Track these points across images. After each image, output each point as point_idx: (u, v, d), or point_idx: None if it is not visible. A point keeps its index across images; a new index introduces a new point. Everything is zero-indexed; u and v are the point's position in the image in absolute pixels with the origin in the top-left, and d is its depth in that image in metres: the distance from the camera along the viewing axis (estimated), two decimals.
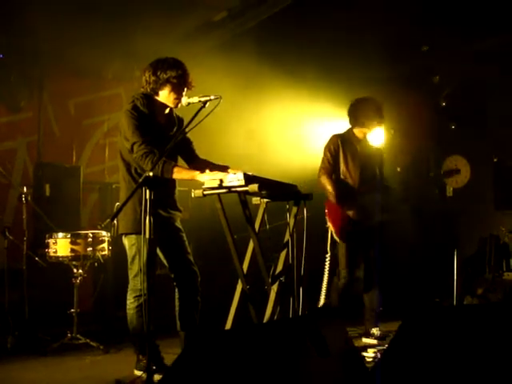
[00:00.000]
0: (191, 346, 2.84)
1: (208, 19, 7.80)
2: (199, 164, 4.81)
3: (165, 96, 4.69)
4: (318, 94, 7.40)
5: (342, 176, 6.03)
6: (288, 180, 4.93)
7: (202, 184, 4.44)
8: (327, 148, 6.06)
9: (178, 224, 4.91)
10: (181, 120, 4.90)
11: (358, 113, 6.06)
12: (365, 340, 6.01)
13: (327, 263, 6.15)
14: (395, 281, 7.77)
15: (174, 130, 4.80)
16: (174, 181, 4.76)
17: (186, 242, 4.90)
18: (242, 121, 7.63)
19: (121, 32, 7.05)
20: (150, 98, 4.70)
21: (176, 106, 4.74)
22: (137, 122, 4.57)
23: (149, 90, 4.69)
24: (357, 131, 6.13)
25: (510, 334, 3.23)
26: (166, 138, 4.58)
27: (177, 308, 4.86)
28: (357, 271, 6.07)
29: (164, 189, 4.63)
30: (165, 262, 4.82)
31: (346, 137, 6.12)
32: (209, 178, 4.39)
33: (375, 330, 6.03)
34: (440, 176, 7.40)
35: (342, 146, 6.03)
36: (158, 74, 4.63)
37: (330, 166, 6.00)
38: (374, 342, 5.93)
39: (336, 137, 6.10)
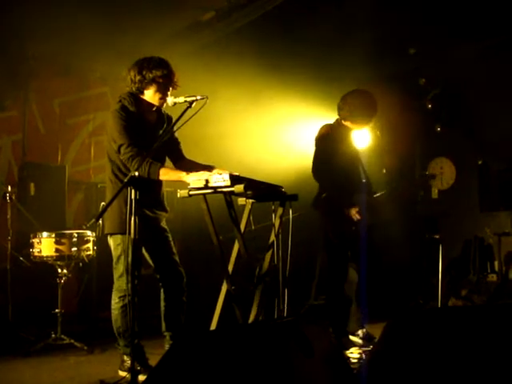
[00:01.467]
0: (176, 347, 2.83)
1: (196, 19, 7.80)
2: (185, 164, 4.82)
3: (150, 95, 4.68)
4: (306, 94, 7.41)
5: (336, 168, 5.63)
6: (273, 181, 4.93)
7: (188, 184, 4.44)
8: (320, 138, 5.74)
9: (164, 224, 4.90)
10: (169, 118, 4.89)
11: (348, 106, 5.72)
12: (351, 338, 5.90)
13: (318, 263, 6.08)
14: (380, 282, 7.79)
15: (164, 127, 4.79)
16: (160, 181, 4.74)
17: (172, 243, 4.90)
18: (228, 121, 7.63)
19: (107, 31, 7.02)
20: (137, 98, 4.69)
21: (161, 106, 4.74)
22: (124, 122, 4.56)
23: (134, 89, 4.68)
24: (348, 124, 5.79)
25: (494, 336, 3.25)
26: (156, 137, 4.58)
27: (162, 309, 4.85)
28: (349, 271, 5.87)
29: (150, 189, 4.62)
30: (150, 262, 4.82)
31: (338, 127, 5.77)
32: (195, 179, 4.39)
33: (360, 331, 5.96)
34: (425, 177, 7.41)
35: (335, 136, 5.70)
36: (144, 73, 4.62)
37: (325, 156, 5.64)
38: (360, 341, 5.85)
39: (328, 126, 5.78)
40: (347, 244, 5.73)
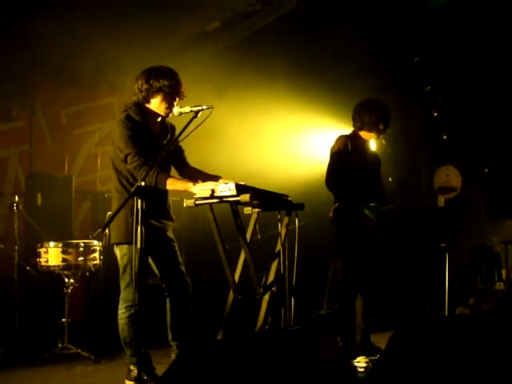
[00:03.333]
0: (182, 356, 2.83)
1: (201, 30, 7.83)
2: (190, 172, 4.83)
3: (156, 104, 4.69)
4: (310, 104, 7.43)
5: (352, 179, 5.59)
6: (281, 190, 4.94)
7: (194, 194, 4.45)
8: (335, 149, 5.63)
9: (170, 234, 4.90)
10: (173, 127, 4.90)
11: (363, 116, 5.65)
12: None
13: (330, 272, 6.00)
14: (387, 291, 7.78)
15: (168, 137, 4.80)
16: (166, 190, 4.76)
17: (178, 252, 4.89)
18: (236, 130, 7.64)
19: (113, 42, 7.06)
20: (142, 107, 4.70)
21: (167, 116, 4.75)
22: (130, 132, 4.56)
23: (140, 97, 4.68)
24: (363, 134, 5.74)
25: (502, 344, 3.24)
26: (160, 147, 4.59)
27: (168, 319, 4.84)
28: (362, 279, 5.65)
29: (156, 198, 4.63)
30: (156, 271, 4.82)
31: (354, 138, 5.71)
32: (201, 189, 4.40)
33: (361, 359, 5.44)
34: (433, 190, 7.38)
35: (351, 147, 5.61)
36: (151, 82, 4.62)
37: (340, 167, 5.57)
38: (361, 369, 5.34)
39: (344, 137, 5.68)
40: (362, 253, 5.57)
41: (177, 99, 4.70)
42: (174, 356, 4.80)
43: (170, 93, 4.65)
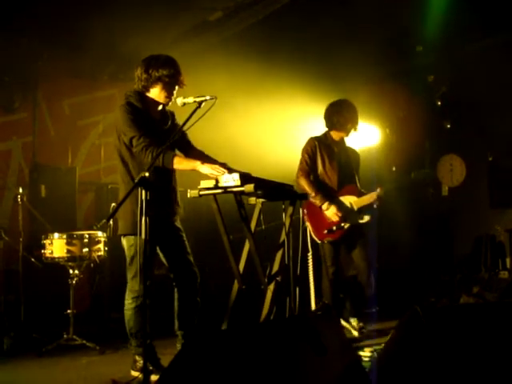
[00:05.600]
0: (188, 347, 2.84)
1: (203, 19, 7.80)
2: (197, 154, 4.81)
3: (156, 93, 4.69)
4: (314, 93, 7.41)
5: (320, 178, 6.12)
6: (284, 180, 4.93)
7: (198, 183, 4.45)
8: (305, 150, 6.16)
9: (178, 224, 4.89)
10: (172, 114, 4.90)
11: (334, 116, 6.14)
12: (344, 323, 6.12)
13: (310, 262, 6.19)
14: (391, 280, 7.78)
15: (169, 123, 4.80)
16: (171, 180, 4.78)
17: (186, 242, 4.89)
18: (237, 120, 7.63)
19: (115, 33, 7.04)
20: (142, 95, 4.71)
21: (167, 104, 4.75)
22: (132, 116, 4.58)
23: (140, 86, 4.69)
24: (333, 134, 6.22)
25: (507, 333, 3.24)
26: (161, 132, 4.60)
27: (176, 308, 4.85)
28: (340, 268, 6.21)
29: (163, 187, 4.64)
30: (165, 261, 4.81)
31: (323, 139, 6.21)
32: (209, 172, 4.39)
33: (353, 321, 6.15)
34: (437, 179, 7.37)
35: (319, 148, 6.13)
36: (150, 71, 4.62)
37: (308, 167, 6.10)
38: (355, 333, 6.08)
39: (313, 139, 6.20)
40: (336, 246, 6.09)
41: (176, 88, 4.70)
42: (179, 346, 4.82)
43: (170, 82, 4.65)
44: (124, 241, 4.73)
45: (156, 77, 4.62)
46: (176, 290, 4.85)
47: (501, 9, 7.07)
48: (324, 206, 5.97)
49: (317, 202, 5.98)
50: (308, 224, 6.12)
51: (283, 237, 4.89)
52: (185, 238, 4.89)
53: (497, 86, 7.78)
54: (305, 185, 6.03)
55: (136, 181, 3.91)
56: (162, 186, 4.58)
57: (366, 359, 5.09)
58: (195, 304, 4.83)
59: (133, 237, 4.61)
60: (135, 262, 4.62)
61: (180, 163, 4.48)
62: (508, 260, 8.04)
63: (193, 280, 4.82)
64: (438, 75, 8.57)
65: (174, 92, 4.69)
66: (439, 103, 8.59)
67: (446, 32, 7.44)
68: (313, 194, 5.98)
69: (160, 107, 4.76)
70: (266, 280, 4.81)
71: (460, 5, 7.06)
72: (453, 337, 3.16)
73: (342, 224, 5.98)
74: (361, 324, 6.14)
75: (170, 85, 4.66)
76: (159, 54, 4.72)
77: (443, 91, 8.53)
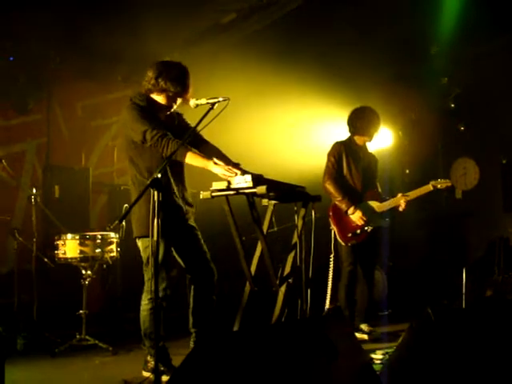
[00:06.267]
0: (199, 347, 2.84)
1: (216, 21, 7.81)
2: (210, 151, 4.77)
3: (158, 99, 4.72)
4: (326, 95, 7.41)
5: (345, 182, 6.23)
6: (297, 182, 4.93)
7: (210, 185, 4.45)
8: (331, 154, 6.28)
9: (192, 222, 4.89)
10: (179, 114, 4.91)
11: (358, 122, 6.27)
12: (357, 335, 6.06)
13: (331, 264, 6.24)
14: (404, 283, 7.76)
15: (175, 123, 4.81)
16: (184, 179, 4.80)
17: (202, 241, 4.90)
18: (250, 122, 7.63)
19: (128, 34, 7.05)
20: (146, 97, 4.73)
21: (166, 112, 4.76)
22: (140, 112, 4.60)
23: (146, 87, 4.70)
24: (357, 138, 6.35)
25: None
26: (170, 130, 4.59)
27: (191, 305, 4.84)
28: (358, 270, 6.24)
29: (176, 187, 4.65)
30: (180, 261, 4.80)
31: (348, 143, 6.33)
32: (221, 173, 4.38)
33: (364, 326, 6.19)
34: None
35: (344, 153, 6.25)
36: (159, 80, 4.62)
37: (335, 170, 6.21)
38: (365, 337, 6.08)
39: (339, 144, 6.32)
40: (354, 247, 6.15)
41: (179, 101, 4.72)
42: (192, 344, 4.82)
43: (173, 97, 4.68)
44: (139, 243, 4.75)
45: (163, 88, 4.64)
46: (192, 287, 4.84)
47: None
48: (350, 211, 6.09)
49: (343, 206, 6.11)
50: (333, 227, 6.23)
51: (295, 239, 4.89)
52: (200, 237, 4.90)
53: (511, 87, 7.74)
54: (331, 189, 6.14)
55: (148, 182, 3.91)
56: (173, 186, 4.59)
57: (378, 362, 5.08)
58: (211, 301, 4.83)
59: (148, 238, 4.61)
60: (151, 263, 4.63)
61: (193, 159, 4.46)
62: None
63: (210, 277, 4.83)
64: (451, 77, 8.54)
65: (175, 105, 4.73)
66: (452, 105, 8.57)
67: (460, 34, 7.41)
68: (339, 198, 6.12)
69: (164, 110, 4.77)
70: (278, 282, 4.81)
71: (473, 6, 7.03)
72: (465, 340, 3.15)
73: (366, 228, 6.09)
74: (371, 328, 6.20)
75: (173, 98, 4.69)
76: (173, 64, 4.71)
77: (457, 93, 8.51)
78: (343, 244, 6.14)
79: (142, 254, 4.75)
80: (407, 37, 7.64)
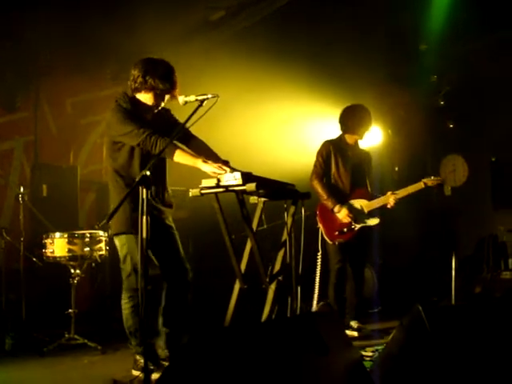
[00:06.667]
0: (189, 345, 2.83)
1: (205, 18, 7.79)
2: (199, 147, 4.79)
3: (146, 98, 4.67)
4: (316, 93, 7.41)
5: (333, 181, 6.22)
6: (287, 179, 4.92)
7: (200, 182, 4.44)
8: (319, 153, 6.27)
9: (169, 221, 4.88)
10: (167, 110, 4.88)
11: (349, 120, 6.24)
12: (347, 332, 6.07)
13: (319, 262, 6.23)
14: (393, 280, 7.77)
15: (164, 120, 4.78)
16: (165, 178, 4.80)
17: (178, 240, 4.89)
18: (240, 119, 7.62)
19: (118, 31, 7.02)
20: (132, 98, 4.70)
21: (153, 111, 4.74)
22: (125, 114, 4.57)
23: (133, 87, 4.66)
24: (348, 137, 6.32)
25: (508, 332, 3.23)
26: (156, 130, 4.55)
27: (162, 304, 4.82)
28: (347, 268, 6.23)
29: (155, 185, 4.62)
30: (154, 259, 4.76)
31: (338, 142, 6.31)
32: (211, 170, 4.37)
33: (353, 323, 6.19)
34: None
35: (333, 152, 6.23)
36: (147, 78, 4.58)
37: (322, 170, 6.21)
38: (355, 334, 6.09)
39: (328, 142, 6.30)
40: (342, 245, 6.13)
41: (167, 98, 4.68)
42: (161, 343, 4.80)
43: (161, 94, 4.64)
44: (116, 240, 4.74)
45: (151, 86, 4.59)
46: (165, 286, 4.81)
47: (503, 7, 7.05)
48: (336, 209, 6.09)
49: (329, 204, 6.11)
50: (320, 225, 6.21)
51: (285, 236, 4.89)
52: (177, 237, 4.89)
53: (500, 85, 7.77)
54: (318, 187, 6.14)
55: (137, 179, 3.89)
56: (154, 183, 4.56)
57: (368, 359, 5.08)
58: (186, 300, 4.80)
59: (124, 236, 4.64)
60: (128, 261, 4.63)
61: (181, 156, 4.45)
62: (510, 260, 8.02)
63: (184, 276, 4.80)
64: (440, 75, 8.56)
65: (163, 102, 4.70)
66: (442, 103, 8.58)
67: (449, 31, 7.42)
68: (325, 197, 6.12)
69: (150, 110, 4.74)
70: (268, 279, 4.80)
71: (462, 3, 7.05)
72: (454, 336, 3.15)
73: (353, 226, 6.08)
74: (360, 325, 6.20)
75: (161, 96, 4.65)
76: (159, 61, 4.66)
77: (446, 91, 8.52)
78: (330, 242, 6.14)
79: (119, 252, 4.75)
80: (397, 35, 7.65)
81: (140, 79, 4.60)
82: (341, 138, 6.34)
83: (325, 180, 6.20)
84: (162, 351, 4.79)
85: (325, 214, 6.18)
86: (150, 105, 4.68)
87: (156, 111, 4.76)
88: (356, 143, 6.39)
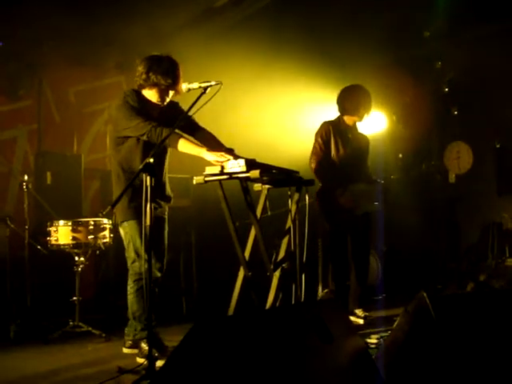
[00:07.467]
0: (193, 333, 2.82)
1: (209, 5, 7.76)
2: (205, 138, 4.85)
3: (150, 94, 4.78)
4: (321, 79, 7.37)
5: (332, 163, 6.04)
6: (290, 166, 4.91)
7: (203, 170, 4.45)
8: (319, 134, 6.09)
9: (164, 214, 4.99)
10: (174, 104, 4.92)
11: (347, 101, 6.11)
12: (351, 318, 6.01)
13: (320, 249, 6.21)
14: (398, 267, 7.77)
15: (173, 113, 4.80)
16: (165, 173, 4.91)
17: (165, 233, 4.98)
18: (242, 107, 7.60)
19: (121, 19, 7.00)
20: (140, 94, 4.78)
21: (160, 107, 4.80)
22: (131, 109, 4.66)
23: (138, 83, 4.77)
24: (346, 118, 6.18)
25: None
26: (163, 124, 4.59)
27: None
28: (346, 255, 6.13)
29: (158, 178, 4.66)
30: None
31: (337, 124, 6.16)
32: (214, 159, 4.39)
33: (359, 311, 6.11)
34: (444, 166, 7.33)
35: (332, 133, 6.06)
36: (150, 74, 4.69)
37: (322, 152, 6.02)
38: (360, 321, 6.02)
39: (327, 123, 6.13)
40: (342, 232, 6.04)
41: (171, 93, 4.76)
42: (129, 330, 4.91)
43: (165, 90, 4.73)
44: (120, 229, 4.86)
45: (154, 82, 4.70)
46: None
47: None
48: (337, 192, 5.93)
49: (330, 188, 5.96)
50: (321, 210, 6.10)
51: (289, 223, 4.88)
52: (165, 230, 4.97)
53: (505, 71, 7.72)
54: (318, 171, 5.97)
55: (141, 167, 3.93)
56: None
57: (373, 346, 5.08)
58: (153, 293, 4.68)
59: (126, 223, 4.74)
60: (131, 247, 4.67)
61: (185, 146, 4.51)
62: None
63: (159, 270, 4.85)
64: (445, 61, 8.51)
65: (167, 98, 4.77)
66: (446, 90, 8.54)
67: (454, 17, 7.38)
68: (326, 180, 5.98)
69: (157, 107, 4.80)
70: (272, 267, 4.80)
71: None
72: (459, 324, 3.14)
73: (354, 210, 5.95)
74: (366, 313, 6.11)
75: (165, 91, 4.74)
76: (162, 57, 4.75)
77: (450, 77, 8.48)
78: (331, 228, 6.06)
79: (123, 240, 4.82)
80: (401, 20, 7.61)
81: (144, 75, 4.71)
82: (339, 120, 6.19)
83: (325, 162, 6.02)
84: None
85: (325, 199, 6.03)
86: (155, 101, 4.77)
87: (163, 106, 4.81)
88: (355, 125, 6.24)
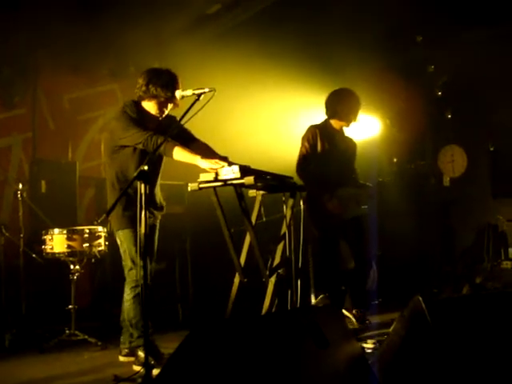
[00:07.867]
0: (189, 340, 2.82)
1: (202, 12, 7.78)
2: (199, 148, 4.84)
3: (149, 106, 4.82)
4: (315, 84, 7.38)
5: (319, 167, 5.92)
6: (284, 172, 4.92)
7: (198, 177, 4.47)
8: (305, 138, 5.98)
9: (156, 222, 5.01)
10: (172, 118, 4.94)
11: (339, 105, 6.02)
12: (345, 312, 6.03)
13: (310, 254, 6.18)
14: (393, 271, 7.77)
15: (171, 126, 4.83)
16: (158, 183, 4.91)
17: (156, 242, 4.99)
18: (236, 113, 7.61)
19: (115, 27, 7.01)
20: (139, 106, 4.83)
21: (158, 120, 4.83)
22: (129, 120, 4.70)
23: (138, 94, 4.81)
24: (334, 122, 6.11)
25: (509, 324, 3.23)
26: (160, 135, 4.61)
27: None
28: (338, 261, 6.05)
29: (151, 188, 4.69)
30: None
31: (324, 127, 6.07)
32: (208, 166, 4.41)
33: (355, 311, 6.06)
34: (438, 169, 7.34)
35: (319, 137, 5.96)
36: (150, 87, 4.73)
37: (309, 156, 5.91)
38: (354, 320, 5.98)
39: (314, 127, 6.03)
40: (332, 237, 5.95)
41: (170, 106, 4.81)
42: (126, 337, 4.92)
43: (164, 102, 4.78)
44: (116, 237, 4.87)
45: (153, 94, 4.74)
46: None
47: None
48: (325, 198, 5.84)
49: (317, 193, 5.85)
50: (309, 215, 5.92)
51: (284, 229, 4.88)
52: (156, 238, 5.00)
53: (498, 75, 7.75)
54: (305, 175, 5.85)
55: (135, 174, 3.94)
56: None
57: (369, 351, 5.08)
58: (149, 300, 4.74)
59: (121, 232, 4.76)
60: (127, 255, 4.70)
61: (180, 154, 4.53)
62: (511, 250, 8.02)
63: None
64: (438, 65, 8.54)
65: (166, 110, 4.82)
66: (440, 93, 8.57)
67: (446, 21, 7.40)
68: (313, 185, 5.83)
69: (155, 120, 4.84)
70: (268, 273, 4.80)
71: None
72: (455, 328, 3.14)
73: (342, 215, 5.89)
74: (367, 320, 6.06)
75: (164, 104, 4.79)
76: (162, 70, 4.81)
77: (444, 81, 8.51)
78: (320, 234, 5.99)
79: (120, 248, 4.84)
80: (394, 25, 7.63)
81: (144, 87, 4.76)
82: (326, 124, 6.10)
83: (312, 166, 5.89)
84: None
85: (313, 204, 5.86)
86: (154, 114, 4.81)
87: (161, 119, 4.86)
88: (341, 130, 6.16)
